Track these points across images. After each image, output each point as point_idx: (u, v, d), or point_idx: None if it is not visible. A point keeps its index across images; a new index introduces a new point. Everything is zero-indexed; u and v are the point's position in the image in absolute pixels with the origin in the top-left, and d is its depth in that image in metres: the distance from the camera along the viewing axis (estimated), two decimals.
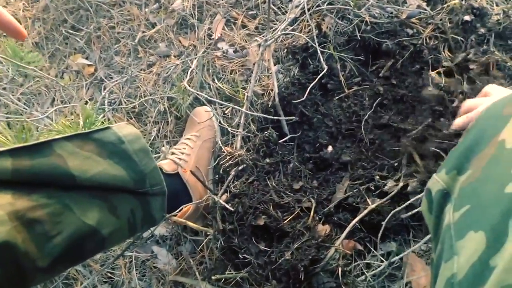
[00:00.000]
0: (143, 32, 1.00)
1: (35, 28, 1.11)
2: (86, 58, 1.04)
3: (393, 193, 0.67)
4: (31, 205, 0.43)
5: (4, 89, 1.07)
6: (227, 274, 0.71)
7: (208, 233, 0.76)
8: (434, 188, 0.36)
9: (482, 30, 0.77)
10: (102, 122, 0.76)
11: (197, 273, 0.77)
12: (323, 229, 0.62)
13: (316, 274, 0.62)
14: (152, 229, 0.85)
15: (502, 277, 0.23)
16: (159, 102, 0.91)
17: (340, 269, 0.60)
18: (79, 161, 0.48)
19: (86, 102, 0.98)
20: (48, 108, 1.04)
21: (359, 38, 0.82)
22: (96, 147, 0.50)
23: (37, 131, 0.89)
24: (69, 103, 1.01)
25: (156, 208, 0.60)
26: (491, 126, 0.32)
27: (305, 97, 0.71)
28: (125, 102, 0.94)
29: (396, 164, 0.70)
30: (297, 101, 0.73)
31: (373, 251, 0.69)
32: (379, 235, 0.65)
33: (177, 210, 0.69)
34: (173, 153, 0.79)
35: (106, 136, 0.52)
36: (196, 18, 0.96)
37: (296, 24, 0.89)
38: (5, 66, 1.05)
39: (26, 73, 1.12)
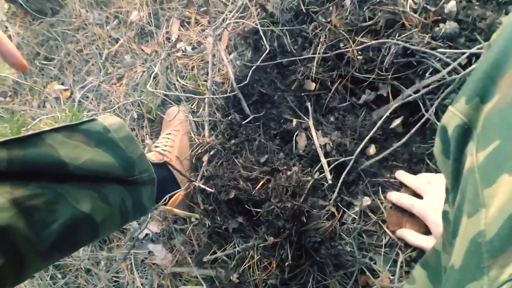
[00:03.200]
0: (109, 48, 1.05)
1: None
2: (62, 84, 1.11)
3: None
4: (28, 193, 0.45)
5: None
6: (218, 253, 0.74)
7: (193, 220, 0.79)
8: (451, 123, 0.28)
9: None
10: None
11: (190, 260, 0.81)
12: (293, 171, 0.65)
13: (306, 231, 0.64)
14: (147, 229, 0.90)
15: None
16: (131, 110, 0.95)
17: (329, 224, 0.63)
18: (69, 150, 0.50)
19: None
20: None
21: (305, 11, 0.85)
22: (84, 137, 0.53)
23: None
24: None
25: (146, 197, 0.63)
26: None
27: (248, 77, 0.74)
28: None
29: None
30: (244, 83, 0.76)
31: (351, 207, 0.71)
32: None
33: (164, 199, 0.73)
34: (156, 146, 0.83)
35: (93, 127, 0.55)
36: (153, 25, 1.01)
37: (245, 11, 0.92)
38: None
39: (12, 109, 1.19)
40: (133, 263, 0.90)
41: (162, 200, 0.72)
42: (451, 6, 0.69)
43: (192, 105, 0.89)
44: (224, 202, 0.69)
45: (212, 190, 0.71)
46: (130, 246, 0.90)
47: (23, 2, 1.10)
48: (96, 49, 1.07)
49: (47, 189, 0.48)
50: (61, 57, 1.11)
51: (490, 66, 0.26)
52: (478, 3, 0.70)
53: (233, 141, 0.76)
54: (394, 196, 0.68)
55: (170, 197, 0.74)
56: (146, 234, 0.91)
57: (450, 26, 0.70)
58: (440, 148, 0.31)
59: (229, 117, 0.79)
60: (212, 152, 0.78)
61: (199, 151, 0.81)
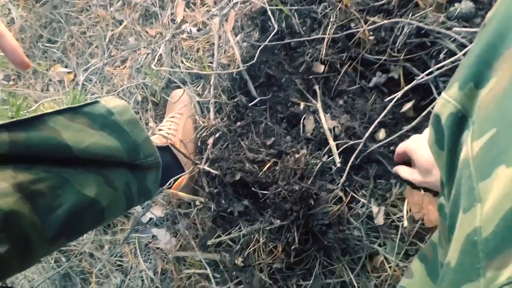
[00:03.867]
0: (112, 30, 1.03)
1: None
2: (66, 67, 1.09)
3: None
4: (32, 178, 0.44)
5: None
6: (223, 237, 0.73)
7: (198, 204, 0.78)
8: (444, 112, 0.27)
9: None
10: None
11: (194, 244, 0.80)
12: (302, 154, 0.63)
13: (313, 215, 0.62)
14: (151, 213, 0.89)
15: None
16: (135, 92, 0.94)
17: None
18: (73, 133, 0.49)
19: None
20: None
21: None
22: (87, 120, 0.52)
23: None
24: None
25: (151, 181, 0.62)
26: None
27: (256, 57, 0.72)
28: None
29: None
30: (251, 62, 0.74)
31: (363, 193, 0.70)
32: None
33: (168, 183, 0.72)
34: (160, 130, 0.81)
35: (96, 109, 0.53)
36: (158, 6, 0.99)
37: None
38: None
39: (15, 93, 1.18)
40: (137, 247, 0.89)
41: (167, 184, 0.71)
42: None
43: (197, 87, 0.88)
44: (230, 184, 0.68)
45: (217, 173, 0.69)
46: (131, 229, 0.89)
47: None
48: (100, 30, 1.05)
49: (51, 173, 0.47)
50: (64, 40, 1.09)
51: (485, 48, 0.24)
52: None
53: (239, 124, 0.74)
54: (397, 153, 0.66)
55: (175, 181, 0.73)
56: (150, 219, 0.91)
57: (466, 5, 0.67)
58: (433, 138, 0.29)
59: (235, 99, 0.77)
60: (217, 135, 0.76)
61: (204, 134, 0.79)
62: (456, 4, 0.68)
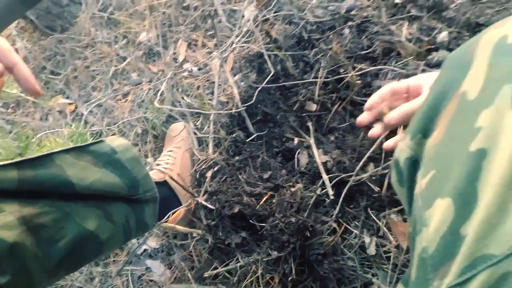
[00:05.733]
0: (116, 66, 1.09)
1: None
2: (67, 98, 1.13)
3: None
4: (37, 212, 0.47)
5: None
6: (220, 269, 0.74)
7: (195, 235, 0.80)
8: (401, 156, 0.33)
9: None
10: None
11: (190, 276, 0.80)
12: (297, 187, 0.67)
13: (309, 245, 0.65)
14: (146, 245, 0.89)
15: (473, 247, 0.21)
16: (136, 125, 0.97)
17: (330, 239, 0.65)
18: (77, 170, 0.52)
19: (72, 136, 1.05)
20: None
21: (307, 38, 0.91)
22: (92, 158, 0.55)
23: None
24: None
25: (149, 215, 0.64)
26: (454, 77, 0.29)
27: (254, 98, 0.78)
28: (106, 131, 1.01)
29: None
30: (250, 103, 0.80)
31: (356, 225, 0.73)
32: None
33: (167, 216, 0.74)
34: (158, 164, 0.84)
35: (101, 148, 0.57)
36: (161, 46, 1.05)
37: (250, 36, 0.98)
38: None
39: (13, 120, 1.19)
40: (129, 280, 0.88)
41: (165, 218, 0.73)
42: (443, 36, 0.75)
43: (196, 122, 0.92)
44: (228, 217, 0.70)
45: (212, 207, 0.72)
46: (125, 262, 0.89)
47: (34, 18, 1.13)
48: (104, 66, 1.11)
49: (55, 208, 0.49)
50: (67, 72, 1.13)
51: (429, 107, 0.31)
52: (468, 34, 0.76)
53: (237, 158, 0.78)
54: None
55: (172, 214, 0.75)
56: (145, 250, 0.91)
57: (442, 54, 0.76)
58: (395, 178, 0.35)
59: (234, 135, 0.82)
60: (216, 168, 0.80)
61: (203, 167, 0.82)
62: (434, 53, 0.77)
